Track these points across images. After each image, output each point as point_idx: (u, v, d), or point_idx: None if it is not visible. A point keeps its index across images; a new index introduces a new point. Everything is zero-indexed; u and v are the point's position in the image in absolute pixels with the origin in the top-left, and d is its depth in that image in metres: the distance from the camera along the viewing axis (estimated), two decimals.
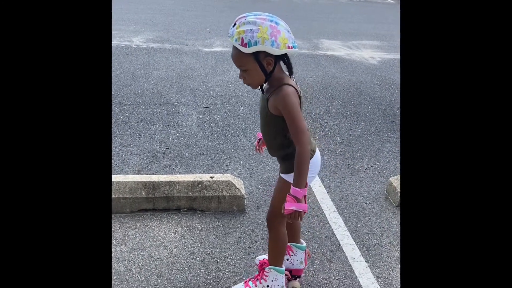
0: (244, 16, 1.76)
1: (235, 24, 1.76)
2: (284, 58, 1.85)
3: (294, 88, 1.84)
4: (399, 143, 4.00)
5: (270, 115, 1.87)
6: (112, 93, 4.94)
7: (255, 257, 2.40)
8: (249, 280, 2.13)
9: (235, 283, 2.26)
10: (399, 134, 4.26)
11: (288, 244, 2.20)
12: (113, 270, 2.30)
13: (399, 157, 3.77)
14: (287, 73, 1.89)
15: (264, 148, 2.23)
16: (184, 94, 5.03)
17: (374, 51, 7.81)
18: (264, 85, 1.91)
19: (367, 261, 2.50)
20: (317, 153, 2.02)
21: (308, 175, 1.93)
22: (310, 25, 9.62)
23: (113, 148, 3.65)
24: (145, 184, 2.81)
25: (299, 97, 1.85)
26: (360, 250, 2.59)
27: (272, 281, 2.08)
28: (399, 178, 3.16)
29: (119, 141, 3.77)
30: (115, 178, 2.86)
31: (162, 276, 2.29)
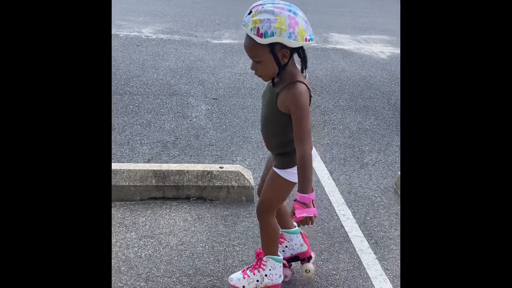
0: (261, 4, 1.66)
1: (250, 12, 1.66)
2: (300, 50, 1.77)
3: (306, 86, 1.77)
4: None
5: (277, 111, 1.81)
6: (122, 83, 4.96)
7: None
8: (247, 269, 2.12)
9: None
10: None
11: (280, 232, 2.20)
12: (123, 257, 2.32)
13: None
14: (299, 67, 1.82)
15: None
16: (193, 85, 5.04)
17: (384, 45, 7.77)
18: (276, 78, 1.83)
19: (375, 253, 2.51)
20: (313, 151, 1.98)
21: None
22: (320, 18, 9.58)
23: (123, 137, 3.67)
24: (155, 173, 2.83)
25: (310, 96, 1.80)
26: (368, 242, 2.60)
27: (270, 270, 2.08)
28: None
29: (129, 131, 3.79)
30: (125, 166, 2.88)
31: (171, 263, 2.31)
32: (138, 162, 3.23)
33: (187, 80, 5.17)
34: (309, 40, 1.70)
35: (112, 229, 2.54)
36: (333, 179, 3.29)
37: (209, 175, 2.88)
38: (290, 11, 1.65)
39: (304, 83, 1.76)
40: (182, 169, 2.88)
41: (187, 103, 4.51)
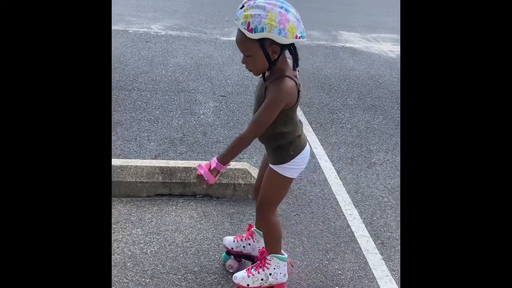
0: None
1: (243, 6, 1.68)
2: (291, 47, 1.76)
3: (295, 81, 1.76)
4: None
5: None
6: (130, 79, 4.97)
7: (223, 238, 2.38)
8: (252, 267, 2.12)
9: None
10: None
11: (253, 229, 2.21)
12: (128, 253, 2.33)
13: None
14: (290, 63, 1.81)
15: None
16: (201, 82, 5.04)
17: (393, 44, 7.72)
18: (266, 73, 1.83)
19: (381, 254, 2.50)
20: (308, 145, 1.97)
21: (296, 167, 1.94)
22: (329, 16, 9.53)
23: (131, 133, 3.68)
24: (162, 169, 2.83)
25: (298, 91, 1.78)
26: (375, 243, 2.58)
27: (274, 268, 2.07)
28: None
29: (136, 126, 3.80)
30: (133, 162, 2.89)
31: (177, 260, 2.31)
32: (145, 158, 3.24)
33: (196, 77, 5.17)
34: (299, 38, 1.69)
35: (119, 225, 2.55)
36: (340, 178, 3.28)
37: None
38: (281, 7, 1.65)
39: (293, 79, 1.76)
40: (189, 166, 2.88)
41: (195, 100, 4.51)
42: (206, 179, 1.75)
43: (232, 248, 2.26)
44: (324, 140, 3.91)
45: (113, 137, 3.58)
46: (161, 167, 2.84)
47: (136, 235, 2.47)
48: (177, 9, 8.98)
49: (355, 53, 6.89)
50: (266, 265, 2.08)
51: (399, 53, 7.14)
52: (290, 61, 1.81)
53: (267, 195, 2.01)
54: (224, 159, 1.77)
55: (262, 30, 1.64)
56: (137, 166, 2.83)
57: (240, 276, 2.10)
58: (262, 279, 2.07)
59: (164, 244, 2.42)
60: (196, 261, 2.32)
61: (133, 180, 2.79)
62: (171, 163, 2.90)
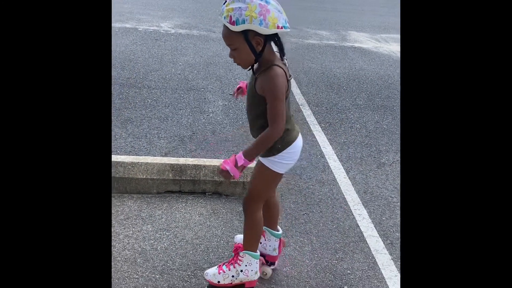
0: None
1: (225, 1, 1.74)
2: (275, 38, 1.81)
3: (283, 70, 1.80)
4: None
5: (257, 96, 1.84)
6: (140, 76, 4.99)
7: (234, 236, 2.38)
8: (223, 264, 2.11)
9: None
10: None
11: (263, 228, 2.19)
12: (139, 249, 2.35)
13: None
14: (278, 54, 1.85)
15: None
16: (210, 80, 5.06)
17: None
18: (255, 66, 1.87)
19: (390, 254, 2.50)
20: (299, 140, 1.98)
21: (284, 162, 1.94)
22: (338, 16, 9.51)
23: (140, 130, 3.70)
24: (172, 167, 2.85)
25: (287, 80, 1.82)
26: (384, 243, 2.58)
27: (246, 265, 2.07)
28: None
29: (146, 124, 3.82)
30: (143, 159, 2.91)
31: (186, 257, 2.32)
32: (155, 156, 3.26)
33: (205, 75, 5.19)
34: (282, 28, 1.74)
35: (129, 221, 2.57)
36: (349, 178, 3.27)
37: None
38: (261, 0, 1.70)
39: (281, 67, 1.80)
40: (199, 163, 2.90)
41: (205, 98, 4.52)
42: (232, 174, 1.78)
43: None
44: (333, 139, 3.91)
45: (123, 134, 3.60)
46: (171, 164, 2.86)
47: (146, 232, 2.49)
48: (187, 7, 9.01)
49: (365, 53, 6.88)
50: (238, 261, 2.07)
51: None
52: (277, 53, 1.86)
53: (254, 188, 2.01)
54: (251, 154, 1.79)
55: (244, 22, 1.69)
56: (147, 163, 2.85)
57: (211, 272, 2.09)
58: (233, 276, 2.07)
59: (174, 241, 2.44)
60: (206, 258, 2.34)
61: (144, 177, 2.81)
62: (181, 161, 2.92)
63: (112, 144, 3.43)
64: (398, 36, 8.35)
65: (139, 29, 7.04)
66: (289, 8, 10.89)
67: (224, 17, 1.73)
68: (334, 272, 2.31)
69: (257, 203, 2.02)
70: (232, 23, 1.71)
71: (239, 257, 2.08)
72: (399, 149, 3.81)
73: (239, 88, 2.19)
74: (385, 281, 2.29)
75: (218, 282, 2.07)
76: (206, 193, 2.89)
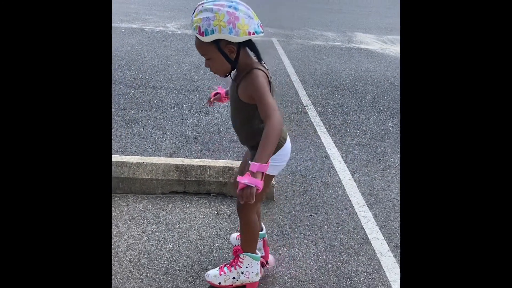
0: (202, 3, 1.69)
1: (194, 11, 1.70)
2: (250, 44, 1.77)
3: (264, 71, 1.77)
4: None
5: (241, 103, 1.81)
6: (146, 77, 5.01)
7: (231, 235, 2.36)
8: (224, 266, 2.11)
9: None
10: None
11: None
12: (143, 249, 2.35)
13: None
14: (255, 58, 1.82)
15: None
16: (216, 81, 5.06)
17: None
18: (232, 72, 1.84)
19: (395, 257, 2.48)
20: (288, 141, 1.96)
21: (277, 164, 1.93)
22: (344, 18, 9.49)
23: (146, 130, 3.71)
24: (177, 167, 2.85)
25: (269, 82, 1.79)
26: (389, 245, 2.57)
27: (246, 267, 2.07)
28: None
29: (152, 124, 3.82)
30: (148, 159, 2.91)
31: (191, 258, 2.32)
32: (160, 156, 3.26)
33: (211, 76, 5.19)
34: (253, 33, 1.70)
35: (134, 221, 2.57)
36: (354, 180, 3.26)
37: (230, 171, 2.88)
38: (230, 7, 1.66)
39: (261, 69, 1.77)
40: (203, 164, 2.90)
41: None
42: (254, 185, 1.57)
43: (235, 245, 2.27)
44: (338, 141, 3.89)
45: (128, 134, 3.61)
46: (176, 165, 2.86)
47: (150, 232, 2.49)
48: (193, 8, 9.03)
49: (371, 55, 6.86)
50: (239, 263, 2.07)
51: None
52: (254, 57, 1.83)
53: None
54: (262, 157, 1.62)
55: (213, 32, 1.66)
56: (152, 163, 2.86)
57: (212, 274, 2.09)
58: (234, 278, 2.07)
59: (178, 242, 2.44)
60: (210, 259, 2.33)
61: (149, 177, 2.82)
62: (186, 161, 2.92)
63: (117, 144, 3.44)
64: None
65: (145, 29, 7.06)
66: (295, 9, 10.91)
67: (194, 28, 1.69)
68: (339, 275, 2.30)
69: (251, 207, 2.02)
70: (202, 34, 1.67)
71: (239, 259, 2.08)
72: None
73: (217, 93, 2.17)
74: (390, 284, 2.28)
75: (219, 283, 2.07)
76: (211, 194, 2.89)
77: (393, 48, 7.43)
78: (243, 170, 2.11)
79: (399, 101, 4.99)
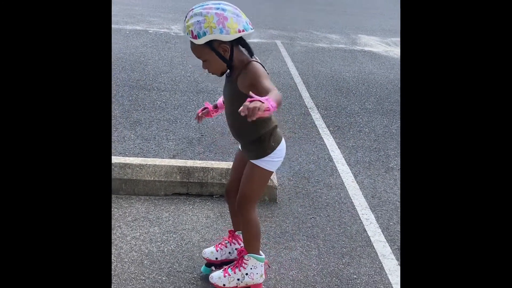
0: (192, 9, 1.79)
1: (186, 17, 1.80)
2: (241, 41, 1.85)
3: (260, 63, 1.85)
4: None
5: (240, 96, 1.81)
6: (150, 78, 5.03)
7: (202, 250, 2.31)
8: (229, 267, 2.11)
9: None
10: None
11: (237, 233, 2.21)
12: (146, 250, 2.36)
13: None
14: (248, 55, 1.88)
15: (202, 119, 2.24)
16: (220, 83, 5.06)
17: None
18: (228, 71, 1.90)
19: (397, 259, 2.48)
20: (283, 139, 2.01)
21: (276, 159, 1.97)
22: (348, 20, 9.49)
23: (149, 132, 3.72)
24: (180, 169, 2.86)
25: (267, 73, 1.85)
26: (391, 248, 2.57)
27: (251, 269, 2.07)
28: None
29: (155, 126, 3.84)
30: (151, 161, 2.92)
31: (193, 259, 2.33)
32: (163, 158, 3.27)
33: (214, 78, 5.20)
34: (243, 31, 1.78)
35: (137, 222, 2.59)
36: (357, 182, 3.26)
37: None
38: (218, 8, 1.75)
39: (257, 61, 1.85)
40: (206, 166, 2.91)
41: (214, 101, 4.52)
42: (263, 103, 1.47)
43: (217, 258, 2.24)
44: (341, 143, 3.90)
45: (132, 136, 3.63)
46: (179, 166, 2.87)
47: (153, 233, 2.50)
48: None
49: (375, 57, 6.86)
50: (243, 265, 2.07)
51: None
52: (247, 54, 1.89)
53: (249, 191, 2.01)
54: (275, 102, 1.53)
55: (204, 34, 1.74)
56: (155, 165, 2.87)
57: (216, 276, 2.09)
58: (238, 279, 2.07)
59: (181, 243, 2.45)
60: None
61: (152, 178, 2.83)
62: (189, 163, 2.93)
63: (121, 145, 3.45)
64: None
65: (150, 31, 7.08)
66: (298, 11, 10.89)
67: (187, 33, 1.79)
68: (341, 277, 2.31)
69: (253, 204, 2.04)
70: (195, 37, 1.76)
71: (244, 260, 2.08)
72: None
73: (204, 108, 2.21)
74: (392, 287, 2.28)
75: (224, 285, 2.08)
76: (214, 196, 2.90)
77: (397, 50, 7.43)
78: (236, 172, 2.12)
79: None
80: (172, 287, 2.13)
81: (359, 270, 2.37)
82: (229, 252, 2.25)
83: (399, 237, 2.68)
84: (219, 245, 2.26)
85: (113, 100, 4.38)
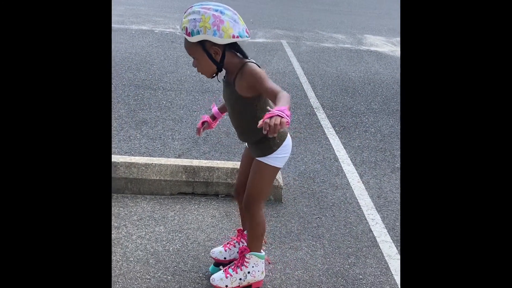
0: (191, 6, 1.79)
1: (184, 13, 1.80)
2: (236, 47, 1.85)
3: (255, 63, 1.85)
4: None
5: (240, 99, 1.86)
6: (156, 78, 5.03)
7: (211, 250, 2.31)
8: (229, 267, 2.11)
9: (270, 271, 2.27)
10: None
11: (245, 232, 2.19)
12: (151, 250, 2.36)
13: None
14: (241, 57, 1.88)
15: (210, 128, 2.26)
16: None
17: None
18: (224, 74, 1.91)
19: None
20: (289, 135, 2.02)
21: (283, 155, 1.98)
22: (354, 19, 9.47)
23: (155, 132, 3.73)
24: (186, 168, 2.86)
25: None
26: (397, 248, 2.55)
27: (253, 267, 2.07)
28: None
29: (161, 125, 3.84)
30: (157, 160, 2.93)
31: (198, 259, 2.33)
32: (169, 157, 3.28)
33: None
34: (237, 37, 1.78)
35: (142, 222, 2.59)
36: (363, 182, 3.25)
37: (238, 173, 2.88)
38: (216, 10, 1.76)
39: (252, 61, 1.85)
40: (212, 165, 2.91)
41: (219, 101, 4.53)
42: (283, 115, 1.49)
43: (225, 258, 2.24)
44: (347, 143, 3.88)
45: (138, 135, 3.64)
46: (184, 166, 2.88)
47: (159, 233, 2.51)
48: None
49: (381, 57, 6.83)
50: (245, 263, 2.07)
51: None
52: (241, 56, 1.89)
53: (256, 189, 2.01)
54: (285, 105, 1.56)
55: (198, 33, 1.75)
56: (161, 164, 2.87)
57: (218, 277, 2.08)
58: (240, 278, 2.07)
59: (186, 242, 2.45)
60: None
61: (157, 178, 2.83)
62: (195, 163, 2.93)
63: (127, 145, 3.46)
64: None
65: (156, 31, 7.10)
66: (304, 11, 10.90)
67: (182, 29, 1.80)
68: (346, 277, 2.30)
69: (261, 202, 2.04)
70: (188, 34, 1.76)
71: (245, 259, 2.08)
72: None
73: (204, 122, 2.22)
74: (398, 287, 2.27)
75: (226, 286, 2.07)
76: (219, 195, 2.90)
77: None
78: (244, 171, 2.12)
79: None
80: (178, 286, 2.13)
81: (365, 270, 2.36)
82: (238, 252, 2.24)
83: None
84: (228, 245, 2.26)
85: (119, 99, 4.39)
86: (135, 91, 4.63)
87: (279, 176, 2.97)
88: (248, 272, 2.08)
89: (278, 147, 1.94)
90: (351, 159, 3.58)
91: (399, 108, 4.80)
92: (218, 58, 1.82)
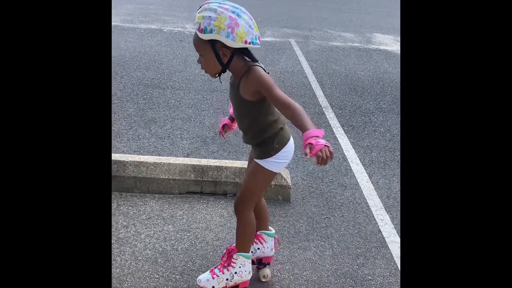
0: (209, 2, 1.75)
1: (199, 8, 1.76)
2: (246, 52, 1.83)
3: (261, 67, 1.83)
4: None
5: (244, 102, 1.85)
6: (165, 77, 5.05)
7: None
8: (215, 268, 2.09)
9: (278, 271, 2.27)
10: None
11: (258, 232, 2.18)
12: (160, 249, 2.37)
13: None
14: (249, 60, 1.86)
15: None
16: None
17: None
18: (232, 77, 1.89)
19: None
20: (291, 140, 2.00)
21: (280, 161, 1.96)
22: (363, 18, 9.42)
23: (164, 131, 3.74)
24: (194, 167, 2.86)
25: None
26: None
27: (240, 267, 2.05)
28: None
29: (170, 125, 3.85)
30: (166, 159, 2.93)
31: (207, 258, 2.33)
32: (178, 156, 3.28)
33: (228, 77, 5.21)
34: (249, 43, 1.76)
35: (151, 221, 2.60)
36: (372, 182, 3.23)
37: None
38: (234, 12, 1.73)
39: (258, 65, 1.83)
40: (220, 165, 2.91)
41: (228, 100, 4.53)
42: (328, 145, 1.59)
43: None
44: (356, 143, 3.87)
45: (146, 134, 3.65)
46: (193, 165, 2.88)
47: (167, 232, 2.51)
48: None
49: (390, 56, 6.80)
50: (232, 264, 2.05)
51: None
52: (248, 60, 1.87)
53: (248, 190, 2.01)
54: (311, 125, 1.67)
55: (211, 31, 1.72)
56: (170, 163, 2.88)
57: (204, 278, 2.06)
58: (227, 279, 2.05)
59: (195, 242, 2.45)
60: None
61: (166, 177, 2.84)
62: (203, 162, 2.93)
63: (136, 144, 3.47)
64: None
65: (164, 30, 7.11)
66: (312, 9, 10.86)
67: (194, 24, 1.76)
68: (355, 278, 2.29)
69: (250, 204, 2.03)
70: (200, 30, 1.73)
71: (232, 259, 2.06)
72: None
73: (224, 125, 2.23)
74: None
75: (213, 287, 2.06)
76: (227, 195, 2.90)
77: None
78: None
79: None
80: (186, 285, 2.13)
81: (374, 271, 2.35)
82: (252, 252, 2.23)
83: None
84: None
85: (128, 98, 4.41)
86: (144, 90, 4.65)
87: (287, 175, 2.96)
88: (235, 273, 2.06)
89: (276, 152, 1.93)
90: (360, 159, 3.56)
91: None
92: (226, 60, 1.81)
